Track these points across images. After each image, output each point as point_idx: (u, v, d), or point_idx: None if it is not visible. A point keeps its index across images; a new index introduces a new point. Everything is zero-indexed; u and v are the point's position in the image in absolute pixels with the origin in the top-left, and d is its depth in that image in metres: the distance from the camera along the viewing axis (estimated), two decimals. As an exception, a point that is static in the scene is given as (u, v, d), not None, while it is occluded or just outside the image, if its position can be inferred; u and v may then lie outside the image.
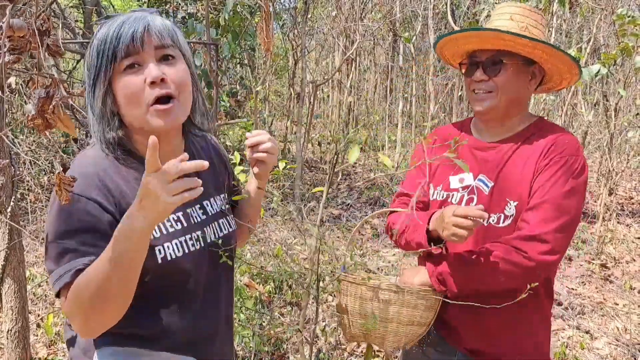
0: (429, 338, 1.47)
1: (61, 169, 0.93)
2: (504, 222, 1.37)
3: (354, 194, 6.12)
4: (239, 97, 6.69)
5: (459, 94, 6.96)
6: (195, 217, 1.14)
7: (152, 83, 0.99)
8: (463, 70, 1.48)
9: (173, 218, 1.09)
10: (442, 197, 1.49)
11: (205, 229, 1.14)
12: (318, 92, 8.87)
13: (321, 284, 1.42)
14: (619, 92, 4.45)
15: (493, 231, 1.37)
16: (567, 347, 2.85)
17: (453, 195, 1.47)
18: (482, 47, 1.40)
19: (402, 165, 7.20)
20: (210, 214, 1.17)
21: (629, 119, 5.26)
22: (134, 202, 0.92)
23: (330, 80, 8.86)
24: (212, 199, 1.21)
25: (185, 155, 0.91)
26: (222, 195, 1.25)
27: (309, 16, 7.15)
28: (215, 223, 1.18)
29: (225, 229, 1.20)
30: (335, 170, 1.57)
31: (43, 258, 1.04)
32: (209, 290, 1.15)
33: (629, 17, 4.44)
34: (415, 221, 1.41)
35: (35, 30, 0.90)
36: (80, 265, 0.96)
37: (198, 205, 1.16)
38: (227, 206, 1.25)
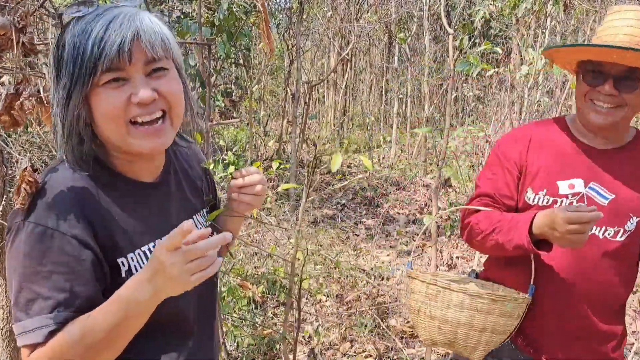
0: (504, 347, 1.41)
1: (28, 165, 0.85)
2: (621, 236, 1.35)
3: (349, 194, 6.12)
4: (233, 97, 6.69)
5: (454, 95, 6.97)
6: None
7: (141, 103, 0.85)
8: (580, 77, 1.36)
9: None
10: (547, 202, 1.38)
11: None
12: (313, 93, 8.88)
13: (309, 285, 1.42)
14: (612, 94, 4.46)
15: (608, 244, 1.35)
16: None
17: (562, 201, 1.37)
18: (613, 60, 1.27)
19: (397, 166, 7.22)
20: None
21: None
22: (140, 273, 0.82)
23: (325, 81, 8.87)
24: (198, 215, 1.08)
25: (208, 230, 0.79)
26: (204, 210, 1.12)
27: (304, 16, 7.16)
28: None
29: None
30: (315, 173, 1.58)
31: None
32: (202, 319, 1.05)
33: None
34: (509, 222, 1.33)
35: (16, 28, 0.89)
36: (53, 326, 0.83)
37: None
38: (208, 222, 1.12)
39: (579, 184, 1.37)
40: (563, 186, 1.38)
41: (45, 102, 1.35)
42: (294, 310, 2.14)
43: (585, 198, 1.36)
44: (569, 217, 1.17)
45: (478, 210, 1.43)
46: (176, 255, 0.77)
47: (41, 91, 1.30)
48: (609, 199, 1.35)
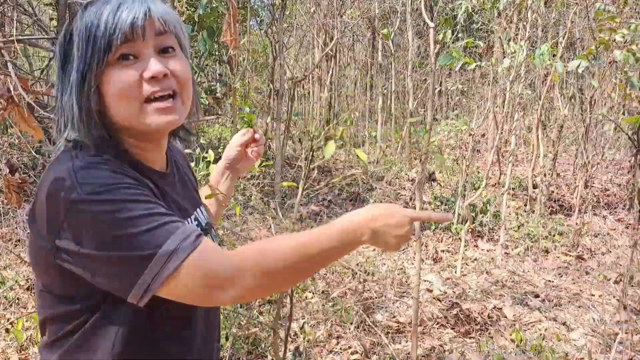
0: None
1: (6, 171, 0.87)
2: None
3: (335, 190, 6.11)
4: (218, 94, 6.63)
5: (437, 89, 6.98)
6: None
7: (152, 78, 0.84)
8: None
9: None
10: None
11: None
12: (298, 89, 8.84)
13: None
14: (593, 85, 4.51)
15: None
16: (543, 339, 2.88)
17: None
18: None
19: (382, 161, 7.22)
20: (202, 225, 1.07)
21: (602, 112, 5.34)
22: (367, 218, 0.91)
23: (310, 77, 8.83)
24: (199, 209, 1.10)
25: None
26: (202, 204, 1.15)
27: (288, 12, 7.11)
28: (209, 236, 1.07)
29: (215, 242, 1.11)
30: (312, 166, 1.56)
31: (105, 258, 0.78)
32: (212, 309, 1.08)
33: (607, 12, 4.52)
34: None
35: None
36: (199, 230, 0.81)
37: (193, 217, 1.04)
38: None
39: None
40: None
41: (17, 102, 1.32)
42: (287, 305, 2.12)
43: None
44: None
45: None
46: (409, 226, 0.92)
47: (12, 90, 1.26)
48: None
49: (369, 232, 0.90)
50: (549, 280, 3.73)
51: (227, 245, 3.54)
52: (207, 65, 6.40)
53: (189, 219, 1.00)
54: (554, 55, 4.31)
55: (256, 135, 1.21)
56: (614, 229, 4.71)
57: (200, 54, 5.35)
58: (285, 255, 0.83)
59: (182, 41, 0.92)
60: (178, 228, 0.79)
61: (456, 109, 8.43)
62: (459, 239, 4.06)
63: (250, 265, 0.81)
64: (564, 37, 4.96)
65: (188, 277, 0.78)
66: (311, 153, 1.46)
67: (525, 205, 5.09)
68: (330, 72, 8.19)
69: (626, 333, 2.85)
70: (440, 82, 7.91)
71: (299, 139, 7.51)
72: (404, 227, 0.92)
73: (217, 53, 6.06)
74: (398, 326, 3.06)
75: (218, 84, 6.93)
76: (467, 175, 4.50)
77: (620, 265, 3.88)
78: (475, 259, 4.09)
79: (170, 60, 0.87)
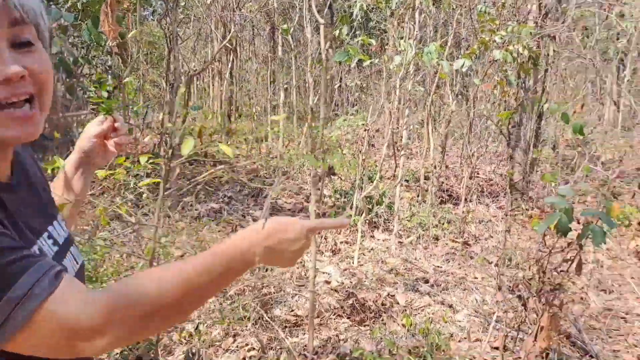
0: None
1: None
2: None
3: (236, 186, 6.03)
4: (108, 88, 6.25)
5: (337, 84, 7.13)
6: (48, 250, 0.84)
7: (6, 80, 0.69)
8: None
9: None
10: None
11: (62, 264, 0.86)
12: (198, 82, 8.59)
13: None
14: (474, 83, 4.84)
15: None
16: (431, 322, 3.05)
17: None
18: None
19: (286, 158, 7.25)
20: (60, 242, 0.89)
21: (486, 107, 5.76)
22: (259, 236, 0.83)
23: (210, 71, 8.62)
24: (56, 222, 0.93)
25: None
26: (59, 215, 0.96)
27: (183, 3, 6.86)
28: (70, 254, 0.91)
29: (78, 260, 0.93)
30: (172, 164, 1.50)
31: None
32: None
33: (488, 14, 4.87)
34: None
35: None
36: (58, 266, 0.68)
37: (46, 234, 0.85)
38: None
39: None
40: None
41: None
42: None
43: None
44: None
45: None
46: (309, 238, 0.86)
47: None
48: None
49: (261, 251, 0.83)
50: (438, 266, 3.96)
51: (116, 249, 3.36)
52: (95, 56, 6.00)
53: (41, 239, 0.82)
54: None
55: (117, 124, 1.07)
56: (495, 216, 5.11)
57: (87, 44, 5.00)
58: (167, 292, 0.73)
59: (43, 32, 0.77)
60: (29, 267, 0.65)
61: (356, 105, 8.67)
62: (357, 230, 4.18)
63: (122, 309, 0.69)
64: (451, 37, 5.28)
65: (44, 327, 0.64)
66: (170, 150, 1.40)
67: (418, 196, 5.37)
68: (231, 66, 8.05)
69: (503, 312, 3.11)
70: (340, 78, 8.09)
71: (198, 134, 7.31)
72: (301, 240, 0.86)
73: (105, 43, 5.70)
74: (296, 320, 3.09)
75: (109, 76, 6.53)
76: (363, 168, 4.64)
77: (500, 249, 4.22)
78: (372, 249, 4.24)
79: (28, 57, 0.72)
